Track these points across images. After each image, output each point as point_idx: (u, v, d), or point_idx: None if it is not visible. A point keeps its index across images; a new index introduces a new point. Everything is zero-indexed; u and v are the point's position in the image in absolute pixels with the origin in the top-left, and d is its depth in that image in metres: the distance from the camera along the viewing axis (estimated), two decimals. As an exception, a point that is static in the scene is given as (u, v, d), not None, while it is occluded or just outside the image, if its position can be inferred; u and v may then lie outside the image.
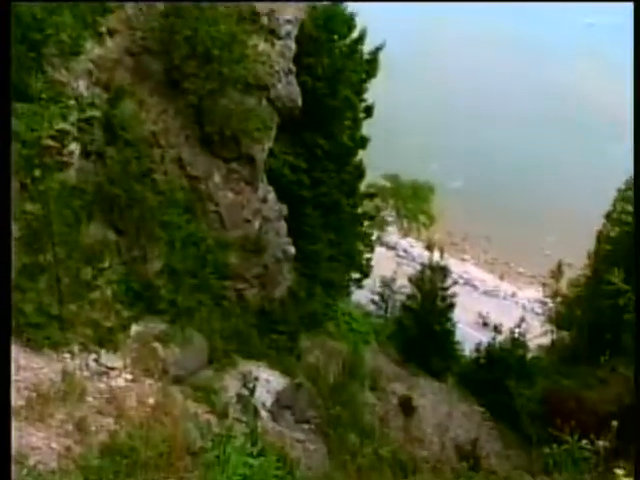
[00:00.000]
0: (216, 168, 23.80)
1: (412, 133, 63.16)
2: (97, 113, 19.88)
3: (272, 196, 26.70)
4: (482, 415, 30.66)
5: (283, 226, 27.39)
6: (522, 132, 65.22)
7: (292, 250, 28.06)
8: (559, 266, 45.36)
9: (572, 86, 64.98)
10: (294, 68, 26.53)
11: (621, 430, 9.21)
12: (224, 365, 22.01)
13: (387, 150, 51.85)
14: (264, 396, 22.33)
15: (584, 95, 65.02)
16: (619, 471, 6.11)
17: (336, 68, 29.85)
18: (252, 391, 15.13)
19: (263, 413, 21.71)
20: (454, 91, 67.40)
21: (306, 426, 23.04)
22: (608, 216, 34.09)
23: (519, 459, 24.35)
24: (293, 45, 26.18)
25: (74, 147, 18.82)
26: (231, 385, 20.73)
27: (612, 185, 31.86)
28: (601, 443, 6.36)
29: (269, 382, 23.28)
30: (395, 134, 59.22)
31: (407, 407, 29.27)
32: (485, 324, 44.45)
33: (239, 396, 19.59)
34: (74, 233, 18.18)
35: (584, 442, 6.35)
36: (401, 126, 62.02)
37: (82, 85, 19.70)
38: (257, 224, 25.44)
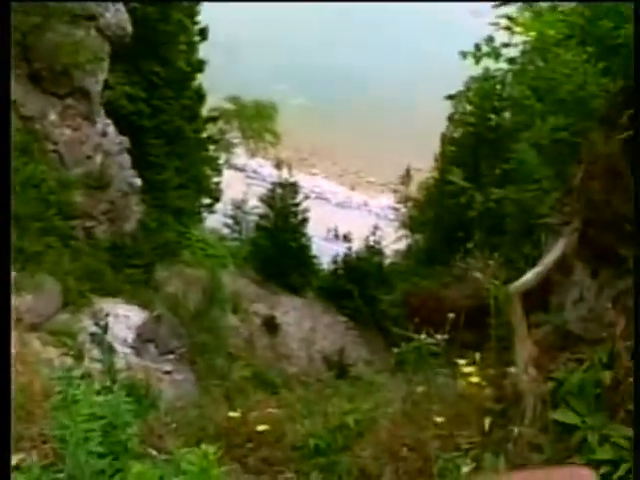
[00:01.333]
0: (50, 105, 23.03)
1: (254, 56, 62.44)
2: None
3: (112, 129, 26.08)
4: (346, 325, 31.23)
5: (126, 159, 26.86)
6: (364, 51, 65.30)
7: (138, 182, 27.62)
8: (407, 171, 46.15)
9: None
10: (123, -7, 25.78)
11: (476, 322, 9.57)
12: (80, 306, 21.61)
13: (231, 72, 51.28)
14: (124, 332, 22.09)
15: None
16: (461, 361, 6.38)
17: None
18: (105, 328, 14.86)
19: (125, 349, 21.50)
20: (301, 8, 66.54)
21: (171, 357, 22.98)
22: (450, 118, 34.82)
23: (384, 363, 25.02)
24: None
25: None
26: (88, 325, 20.40)
27: (453, 88, 32.35)
28: (439, 336, 6.61)
29: (128, 317, 23.01)
30: (237, 57, 58.56)
31: (271, 326, 29.57)
32: (336, 236, 44.90)
33: (93, 335, 19.28)
34: None
35: (422, 337, 6.58)
36: (240, 48, 61.25)
37: None
38: (99, 159, 24.86)
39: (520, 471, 4.08)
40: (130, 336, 22.36)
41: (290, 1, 61.09)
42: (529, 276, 5.94)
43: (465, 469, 4.97)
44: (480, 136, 31.57)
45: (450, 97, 30.94)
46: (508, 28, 6.74)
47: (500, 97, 29.77)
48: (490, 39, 6.88)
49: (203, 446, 4.58)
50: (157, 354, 22.58)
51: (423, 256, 34.79)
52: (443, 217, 32.65)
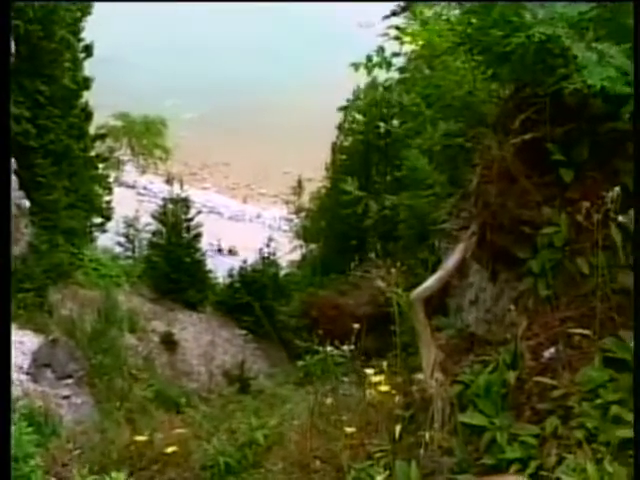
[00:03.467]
0: None
1: (142, 71, 61.79)
2: None
3: (-3, 150, 25.41)
4: (245, 338, 31.09)
5: (14, 180, 26.21)
6: (252, 62, 65.26)
7: (27, 203, 27.00)
8: (299, 182, 46.43)
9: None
10: (0, 12, 25.13)
11: (375, 328, 9.65)
12: (-29, 334, 20.95)
13: (118, 90, 50.61)
14: (20, 358, 21.54)
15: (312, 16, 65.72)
16: (369, 370, 6.42)
17: (49, 9, 28.60)
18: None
19: (22, 376, 20.98)
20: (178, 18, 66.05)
21: (70, 381, 22.49)
22: (340, 127, 35.16)
23: (285, 375, 25.03)
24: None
25: None
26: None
27: (341, 98, 32.65)
28: (345, 347, 6.66)
29: (23, 343, 22.45)
30: (125, 73, 57.88)
31: (169, 343, 29.23)
32: (219, 250, 44.76)
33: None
34: None
35: (329, 349, 6.61)
36: (131, 65, 60.65)
37: None
38: (-16, 182, 24.18)
39: None
40: (26, 362, 21.82)
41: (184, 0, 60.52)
42: (430, 282, 6.01)
43: (379, 478, 4.99)
44: (370, 144, 31.97)
45: (342, 108, 31.42)
46: (397, 38, 6.82)
47: (388, 104, 30.20)
48: (381, 49, 6.96)
49: (113, 474, 4.49)
50: (55, 379, 22.05)
51: (318, 265, 35.00)
52: (336, 226, 32.95)
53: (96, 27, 32.63)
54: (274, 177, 56.55)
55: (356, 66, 7.01)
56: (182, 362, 28.88)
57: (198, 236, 33.96)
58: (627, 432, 4.56)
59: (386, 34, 6.80)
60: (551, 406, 5.09)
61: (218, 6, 65.11)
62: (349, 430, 5.87)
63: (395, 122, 30.04)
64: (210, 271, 35.01)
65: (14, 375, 20.02)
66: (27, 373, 21.48)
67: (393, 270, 6.27)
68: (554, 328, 5.42)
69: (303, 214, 41.86)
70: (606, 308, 5.20)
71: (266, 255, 34.55)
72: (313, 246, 37.84)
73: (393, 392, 5.89)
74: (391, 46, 7.07)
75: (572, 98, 5.30)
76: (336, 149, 35.64)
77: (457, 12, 6.36)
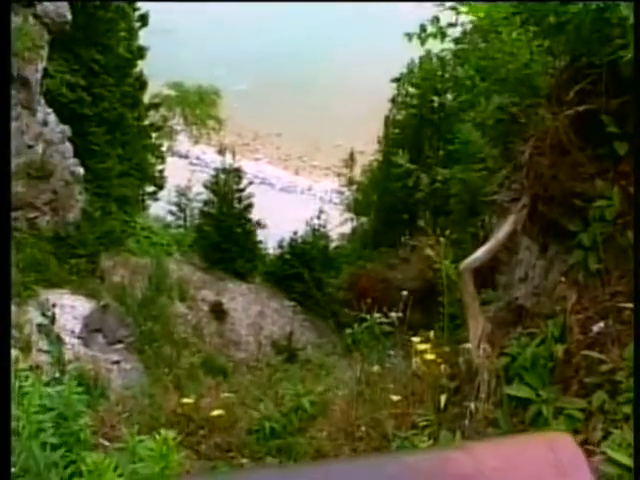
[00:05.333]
0: (-13, 95, 22.62)
1: (194, 42, 61.92)
2: None
3: (53, 118, 25.70)
4: (294, 309, 31.21)
5: (68, 147, 26.52)
6: (305, 29, 65.05)
7: (81, 171, 27.30)
8: (351, 154, 46.39)
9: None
10: (60, -18, 25.35)
11: (423, 302, 9.64)
12: (25, 298, 21.34)
13: (171, 60, 50.78)
14: (71, 323, 21.89)
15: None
16: (415, 339, 6.41)
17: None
18: (52, 319, 14.67)
19: (73, 340, 21.30)
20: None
21: (119, 346, 22.83)
22: (393, 100, 35.02)
23: (332, 346, 25.12)
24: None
25: None
26: (34, 317, 20.16)
27: (395, 71, 32.48)
28: (393, 314, 6.65)
29: (74, 308, 22.81)
30: (176, 42, 58.02)
31: (218, 312, 29.46)
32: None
33: (40, 326, 19.06)
34: None
35: (377, 315, 6.61)
36: (181, 34, 60.74)
37: None
38: (40, 149, 24.50)
39: (484, 442, 4.10)
40: (77, 327, 22.17)
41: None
42: (480, 252, 5.99)
43: (423, 447, 5.00)
44: (423, 118, 31.79)
45: (395, 80, 31.26)
46: (453, 8, 6.75)
47: (442, 78, 29.98)
48: (436, 19, 6.88)
49: (162, 431, 4.53)
50: (105, 344, 22.40)
51: (368, 239, 35.01)
52: (387, 199, 32.87)
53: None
54: (326, 149, 56.44)
55: (409, 36, 6.93)
56: (231, 331, 29.11)
57: (249, 207, 34.10)
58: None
59: (441, 4, 6.73)
60: (599, 380, 5.05)
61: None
62: (394, 398, 5.89)
63: (449, 96, 29.84)
64: (260, 242, 35.17)
65: (66, 339, 20.35)
66: (78, 337, 21.82)
67: (442, 239, 6.25)
68: (604, 302, 5.36)
69: (354, 187, 41.84)
70: (657, 282, 5.12)
71: (316, 227, 34.61)
72: (364, 219, 37.85)
73: (439, 361, 5.89)
74: (445, 17, 6.99)
75: (628, 69, 5.20)
76: (389, 122, 35.52)
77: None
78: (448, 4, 6.70)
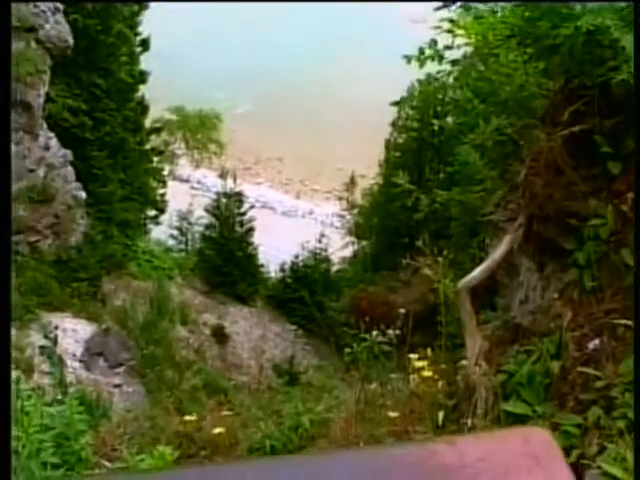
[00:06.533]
0: (-9, 119, 22.77)
1: (194, 64, 62.21)
2: None
3: (55, 142, 25.87)
4: (295, 332, 31.24)
5: (70, 171, 26.66)
6: (304, 50, 65.29)
7: (83, 195, 27.44)
8: (352, 178, 46.49)
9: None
10: (61, 6, 25.55)
11: (424, 325, 9.70)
12: (27, 321, 21.42)
13: (172, 84, 51.04)
14: (73, 346, 21.95)
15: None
16: (413, 355, 6.48)
17: (106, 3, 29.05)
18: (54, 341, 14.76)
19: (75, 363, 21.36)
20: (228, 11, 66.22)
21: (121, 369, 22.87)
22: (394, 124, 35.17)
23: (334, 368, 25.13)
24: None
25: None
26: (36, 340, 20.23)
27: (396, 92, 32.62)
28: (391, 332, 6.73)
29: (76, 331, 22.87)
30: (177, 67, 58.33)
31: (220, 336, 29.49)
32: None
33: (42, 348, 19.15)
34: None
35: (375, 333, 6.68)
36: (182, 58, 61.05)
37: None
38: (42, 173, 24.64)
39: (464, 435, 4.13)
40: (79, 350, 22.22)
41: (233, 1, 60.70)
42: (477, 272, 6.07)
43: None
44: (424, 141, 31.95)
45: (395, 103, 31.37)
46: (450, 31, 6.85)
47: (442, 101, 30.16)
48: (433, 42, 6.99)
49: (160, 448, 4.60)
50: (107, 367, 22.44)
51: (369, 262, 35.05)
52: (388, 223, 32.94)
53: (151, 20, 33.10)
54: (327, 173, 56.56)
55: (408, 58, 7.04)
56: (232, 355, 29.13)
57: (250, 230, 34.22)
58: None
59: (439, 27, 6.83)
60: (594, 396, 5.12)
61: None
62: (393, 416, 5.95)
63: (449, 119, 30.00)
64: (262, 265, 35.26)
65: (68, 362, 20.42)
66: (80, 361, 21.87)
67: (440, 259, 6.33)
68: (599, 319, 5.44)
69: (355, 211, 41.93)
70: (651, 300, 5.20)
71: (317, 251, 34.73)
72: (365, 242, 37.91)
73: (436, 378, 5.96)
74: (443, 39, 7.10)
75: (620, 90, 5.31)
76: (390, 146, 35.66)
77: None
78: (445, 27, 6.81)
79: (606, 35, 4.99)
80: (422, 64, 7.06)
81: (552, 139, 5.83)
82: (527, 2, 5.61)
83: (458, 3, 7.08)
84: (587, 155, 5.74)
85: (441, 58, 7.10)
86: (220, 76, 61.49)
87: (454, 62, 7.59)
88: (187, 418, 7.83)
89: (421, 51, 7.00)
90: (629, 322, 5.22)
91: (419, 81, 31.43)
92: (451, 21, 6.75)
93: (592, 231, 5.55)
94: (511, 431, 2.10)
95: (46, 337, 19.04)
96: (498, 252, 6.13)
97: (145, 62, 33.33)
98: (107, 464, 6.75)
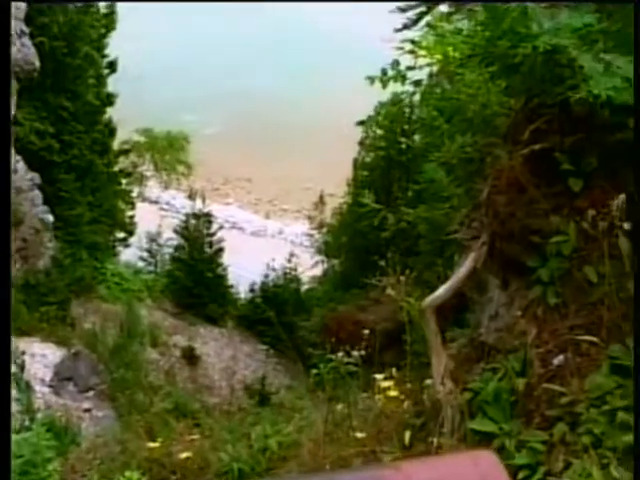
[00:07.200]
0: (-44, 143, 22.60)
1: (161, 85, 62.11)
2: None
3: (22, 165, 25.70)
4: (266, 353, 31.15)
5: (38, 195, 26.50)
6: (273, 75, 65.41)
7: (50, 218, 27.28)
8: (321, 197, 46.50)
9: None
10: (27, 29, 25.45)
11: (394, 343, 9.71)
12: (-6, 346, 21.18)
13: (138, 105, 50.85)
14: (42, 371, 21.74)
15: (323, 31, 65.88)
16: (378, 376, 6.48)
17: (72, 25, 28.96)
18: (21, 367, 14.63)
19: (44, 388, 21.16)
20: (197, 37, 66.45)
21: (91, 394, 22.68)
22: (362, 143, 35.27)
23: (304, 388, 25.04)
24: (23, 4, 25.05)
25: None
26: (4, 366, 20.00)
27: (364, 112, 32.75)
28: (355, 353, 6.73)
29: (45, 356, 22.66)
30: (144, 88, 58.17)
31: (191, 357, 29.34)
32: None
33: (10, 375, 19.01)
34: None
35: (340, 354, 6.68)
36: (150, 80, 60.91)
37: None
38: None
39: (411, 460, 4.11)
40: (48, 375, 22.01)
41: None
42: (441, 290, 6.08)
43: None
44: (391, 159, 32.07)
45: (360, 123, 31.55)
46: (412, 52, 6.89)
47: (409, 120, 30.33)
48: (396, 62, 7.02)
49: (127, 473, 4.56)
50: (76, 392, 22.24)
51: (339, 281, 35.03)
52: (357, 241, 32.98)
53: (118, 42, 33.08)
54: (296, 193, 56.53)
55: (371, 79, 7.07)
56: (203, 376, 28.99)
57: (220, 251, 34.13)
58: (633, 437, 4.61)
59: (401, 48, 6.87)
60: (559, 412, 5.15)
61: (231, 17, 65.54)
62: (360, 436, 5.94)
63: (417, 137, 30.16)
64: (232, 286, 35.16)
65: (36, 387, 20.23)
66: (49, 386, 21.66)
67: (402, 278, 6.34)
68: (563, 336, 5.48)
69: (325, 230, 41.94)
70: (613, 316, 5.25)
71: (288, 271, 34.70)
72: (335, 261, 37.91)
73: (402, 397, 5.96)
74: (406, 60, 7.14)
75: (580, 108, 5.37)
76: (357, 165, 35.75)
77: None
78: (407, 47, 6.85)
79: (564, 54, 5.05)
80: (385, 85, 7.08)
81: (513, 157, 5.88)
82: (520, 2, 5.62)
83: (421, 23, 7.15)
84: (548, 173, 5.79)
85: (404, 78, 7.13)
86: (188, 100, 61.46)
87: (416, 83, 7.64)
88: (157, 443, 7.77)
89: (384, 72, 7.03)
90: (593, 338, 5.26)
91: (383, 102, 31.57)
92: (413, 42, 6.80)
93: (555, 248, 5.59)
94: (459, 455, 2.11)
95: (14, 363, 18.86)
96: (462, 270, 6.15)
97: (113, 84, 33.27)
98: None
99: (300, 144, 58.62)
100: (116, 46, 33.47)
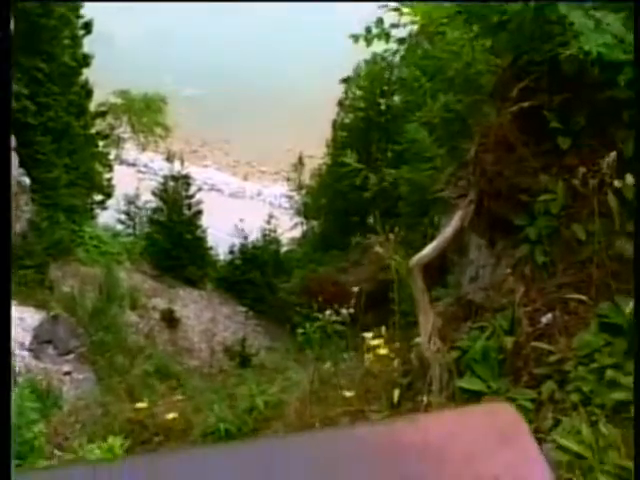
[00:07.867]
0: None
1: (140, 47, 61.46)
2: None
3: (-4, 127, 25.42)
4: (246, 314, 31.18)
5: (14, 157, 26.22)
6: (253, 37, 64.76)
7: (27, 181, 27.03)
8: (300, 159, 46.31)
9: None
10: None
11: (376, 304, 9.71)
12: (-28, 310, 21.06)
13: (116, 66, 50.30)
14: (21, 335, 21.63)
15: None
16: (367, 334, 6.47)
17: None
18: None
19: (23, 352, 21.08)
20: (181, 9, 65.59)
21: (71, 357, 22.62)
22: (341, 104, 35.14)
23: (285, 349, 25.12)
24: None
25: None
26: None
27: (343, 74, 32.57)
28: (344, 311, 6.71)
29: (24, 320, 22.52)
30: (123, 49, 57.63)
31: (170, 320, 29.30)
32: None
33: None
34: None
35: (328, 313, 6.66)
36: (127, 41, 60.32)
37: None
38: (-15, 159, 24.21)
39: (429, 414, 4.11)
40: (27, 338, 21.91)
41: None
42: (428, 249, 6.06)
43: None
44: (370, 120, 31.96)
45: (343, 80, 31.42)
46: (397, 9, 6.81)
47: (389, 80, 30.19)
48: (380, 21, 6.94)
49: (110, 439, 4.52)
50: (56, 355, 22.17)
51: (319, 242, 35.06)
52: (337, 203, 32.96)
53: (94, 3, 32.64)
54: (275, 155, 56.24)
55: (355, 38, 6.98)
56: (183, 339, 28.98)
57: (199, 213, 33.99)
58: (621, 395, 4.62)
59: (385, 5, 6.79)
60: (548, 371, 5.16)
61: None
62: (348, 395, 5.93)
63: (396, 98, 30.03)
64: (211, 248, 35.06)
65: (16, 351, 20.14)
66: (29, 349, 21.58)
67: (391, 236, 6.32)
68: (551, 294, 5.48)
69: (304, 191, 41.85)
70: (602, 274, 5.25)
71: (267, 232, 34.63)
72: (314, 223, 37.89)
73: (391, 356, 5.95)
74: (389, 18, 7.05)
75: (569, 66, 5.32)
76: (337, 126, 35.63)
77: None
78: (392, 4, 6.77)
79: (554, 11, 4.99)
80: (369, 43, 6.99)
81: (501, 115, 5.83)
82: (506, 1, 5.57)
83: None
84: (537, 131, 5.75)
85: (388, 36, 7.05)
86: (167, 61, 60.94)
87: (401, 40, 7.56)
88: (139, 405, 7.73)
89: (368, 30, 6.94)
90: (582, 296, 5.26)
91: (365, 61, 31.40)
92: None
93: (543, 206, 5.57)
94: (475, 408, 2.09)
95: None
96: (449, 229, 6.13)
97: (88, 45, 32.83)
98: (59, 453, 6.65)
99: (279, 106, 58.28)
100: (91, 6, 33.01)
